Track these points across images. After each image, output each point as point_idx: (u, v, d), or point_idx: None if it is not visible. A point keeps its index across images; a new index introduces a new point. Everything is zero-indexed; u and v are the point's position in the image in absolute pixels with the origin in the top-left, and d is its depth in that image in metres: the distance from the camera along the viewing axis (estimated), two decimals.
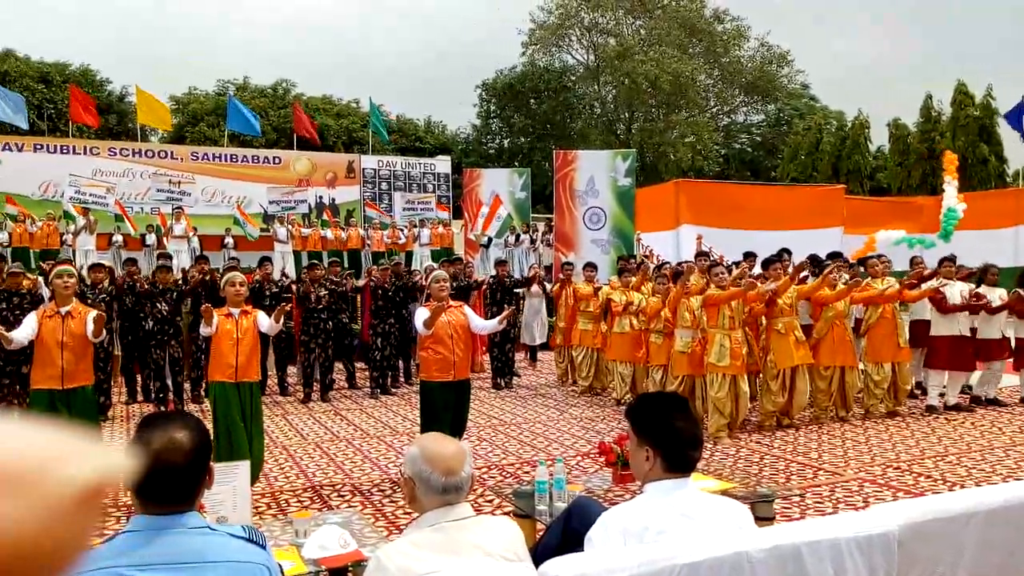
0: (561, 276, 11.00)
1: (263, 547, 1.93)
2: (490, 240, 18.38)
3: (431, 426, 5.88)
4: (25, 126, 21.21)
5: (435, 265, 12.68)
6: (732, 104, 37.54)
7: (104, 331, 5.40)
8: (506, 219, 17.18)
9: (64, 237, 15.36)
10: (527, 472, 6.18)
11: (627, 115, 36.61)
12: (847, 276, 8.55)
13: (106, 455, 0.63)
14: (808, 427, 7.72)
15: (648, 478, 2.34)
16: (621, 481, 4.85)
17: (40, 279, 9.03)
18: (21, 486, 0.56)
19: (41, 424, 0.60)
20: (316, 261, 11.87)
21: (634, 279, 9.34)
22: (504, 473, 6.18)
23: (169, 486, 1.78)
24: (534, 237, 18.67)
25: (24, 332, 5.13)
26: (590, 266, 10.45)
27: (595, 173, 15.18)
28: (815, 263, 8.75)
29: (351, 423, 8.20)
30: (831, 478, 5.89)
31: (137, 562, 1.73)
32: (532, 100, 36.41)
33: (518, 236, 18.02)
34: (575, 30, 36.12)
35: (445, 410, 5.87)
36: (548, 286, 12.11)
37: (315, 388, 9.65)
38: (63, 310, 5.17)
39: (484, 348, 11.07)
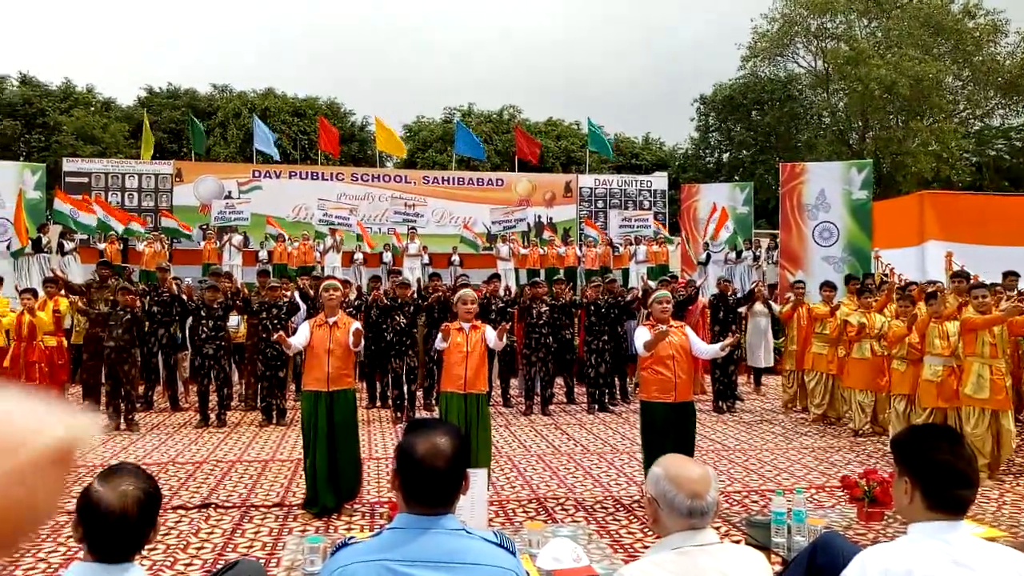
0: (790, 296, 10.42)
1: (513, 553, 1.99)
2: (709, 257, 17.88)
3: (652, 447, 5.78)
4: (277, 156, 23.85)
5: (653, 284, 12.56)
6: (986, 107, 33.69)
7: (362, 341, 5.85)
8: (732, 235, 16.62)
9: (316, 255, 17.01)
10: (754, 501, 5.91)
11: (860, 124, 34.10)
12: None
13: (74, 420, 0.68)
14: None
15: (912, 517, 2.13)
16: (867, 519, 4.48)
17: (296, 292, 10.08)
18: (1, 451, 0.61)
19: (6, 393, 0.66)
20: (537, 279, 12.15)
21: (876, 300, 8.62)
22: (730, 501, 5.93)
23: (432, 488, 1.88)
24: (757, 254, 17.90)
25: (299, 339, 5.73)
26: (828, 285, 9.76)
27: (826, 186, 14.29)
28: None
29: (571, 438, 8.30)
30: None
31: (402, 557, 1.85)
32: (754, 112, 35.03)
33: (740, 253, 17.35)
34: (801, 37, 34.33)
35: (666, 432, 5.74)
36: (774, 305, 11.53)
37: (536, 401, 9.88)
38: (330, 320, 5.70)
39: (705, 370, 10.75)
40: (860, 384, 8.41)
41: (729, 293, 10.63)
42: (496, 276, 11.05)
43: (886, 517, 5.04)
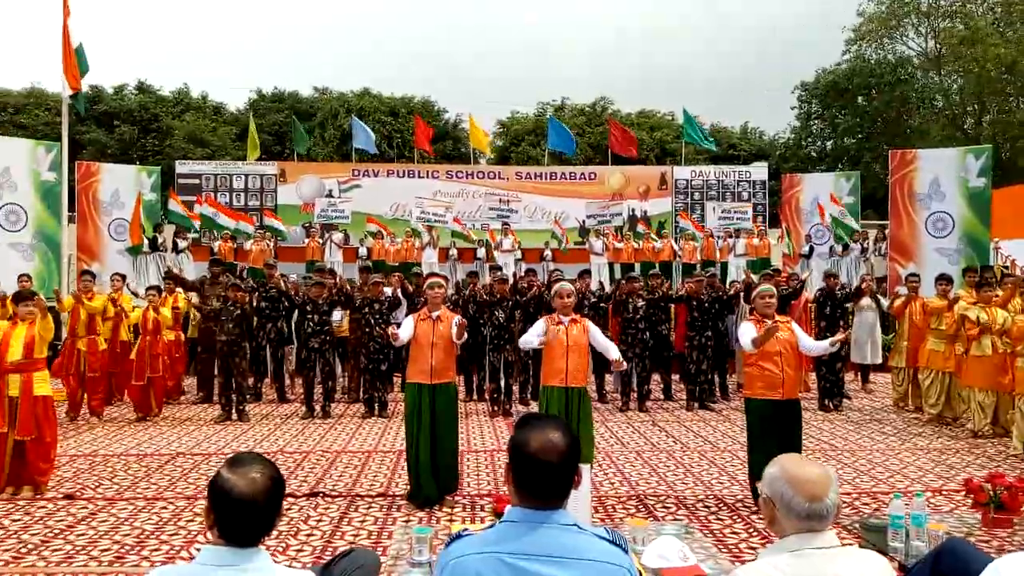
0: (901, 289, 9.94)
1: (625, 551, 1.97)
2: (812, 249, 17.26)
3: (757, 445, 5.63)
4: (373, 150, 24.43)
5: (756, 278, 12.19)
6: None
7: (465, 335, 5.92)
8: (844, 226, 15.96)
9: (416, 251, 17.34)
10: (866, 503, 5.67)
11: (976, 107, 32.18)
12: None
13: None
14: None
15: None
16: (993, 525, 4.22)
17: (398, 288, 10.30)
18: None
19: None
20: (633, 273, 12.00)
21: (998, 293, 8.11)
22: (840, 502, 5.69)
23: (545, 483, 1.89)
24: (864, 246, 17.14)
25: (404, 332, 5.86)
26: (944, 279, 9.23)
27: (940, 174, 13.57)
28: None
29: (670, 435, 8.17)
30: None
31: (514, 550, 1.86)
32: (860, 97, 33.52)
33: (846, 245, 16.65)
34: (911, 17, 32.65)
35: (771, 430, 5.58)
36: (883, 300, 11.03)
37: (632, 397, 9.78)
38: (434, 315, 5.80)
39: (810, 367, 10.38)
40: (980, 383, 7.94)
41: (837, 288, 10.20)
42: (587, 272, 10.94)
43: (1014, 524, 4.74)
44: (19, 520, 5.20)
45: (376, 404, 9.25)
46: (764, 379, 5.55)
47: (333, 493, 5.84)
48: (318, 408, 9.17)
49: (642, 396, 9.73)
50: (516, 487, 1.92)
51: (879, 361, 10.98)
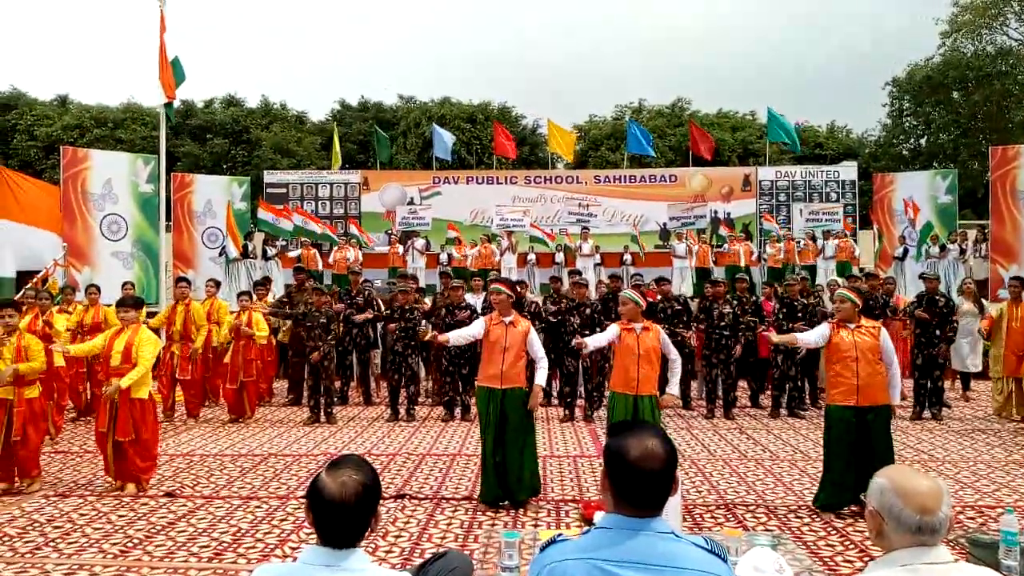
0: (1003, 293, 9.42)
1: (724, 560, 1.92)
2: (906, 251, 16.57)
3: (832, 454, 5.53)
4: (450, 158, 24.73)
5: (839, 281, 11.79)
6: None
7: (540, 396, 5.94)
8: (925, 226, 15.34)
9: (495, 257, 17.44)
10: (971, 518, 5.38)
11: None
12: None
13: None
14: None
15: None
16: None
17: (473, 294, 10.39)
18: None
19: None
20: (717, 278, 11.73)
21: None
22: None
23: (646, 491, 1.85)
24: (963, 247, 16.34)
25: (471, 330, 5.92)
26: (1018, 280, 8.72)
27: None
28: None
29: (758, 443, 7.95)
30: None
31: (611, 557, 1.84)
32: (956, 92, 32.02)
33: (943, 247, 15.91)
34: (1012, 5, 31.00)
35: (847, 438, 5.42)
36: (985, 304, 10.48)
37: (717, 404, 9.57)
38: (506, 319, 5.83)
39: (906, 373, 9.95)
40: None
41: (935, 293, 9.61)
42: (664, 279, 10.70)
43: None
44: (124, 516, 5.46)
45: (457, 407, 9.35)
46: (840, 385, 5.47)
47: (419, 495, 5.91)
48: (402, 411, 9.31)
49: (728, 403, 9.52)
50: (614, 494, 1.90)
51: (980, 369, 10.44)
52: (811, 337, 5.82)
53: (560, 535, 2.03)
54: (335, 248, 17.49)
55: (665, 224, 19.48)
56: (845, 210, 19.78)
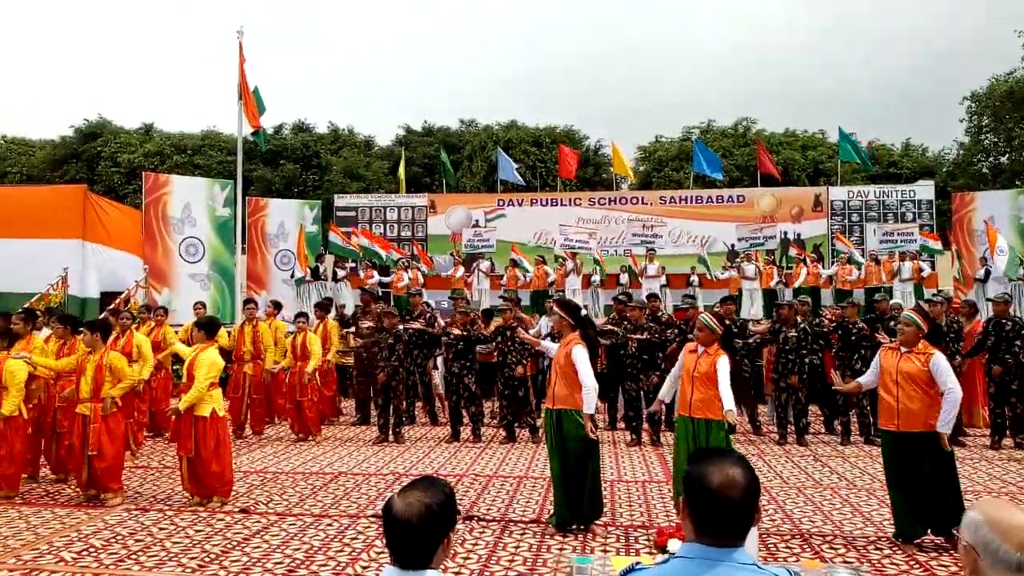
0: None
1: None
2: (988, 273, 15.88)
3: (888, 482, 5.45)
4: (521, 181, 24.89)
5: (903, 304, 11.37)
6: None
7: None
8: (1011, 257, 14.71)
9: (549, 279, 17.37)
10: None
11: None
12: None
13: None
14: None
15: None
16: None
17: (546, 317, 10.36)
18: None
19: None
20: (788, 301, 11.46)
21: None
22: None
23: (727, 520, 1.81)
24: None
25: (552, 346, 5.98)
26: None
27: None
28: None
29: (833, 470, 7.70)
30: None
31: None
32: None
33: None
34: None
35: (893, 465, 5.29)
36: None
37: (789, 430, 9.32)
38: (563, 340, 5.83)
39: (985, 399, 9.51)
40: None
41: (1004, 317, 9.15)
42: (730, 299, 10.51)
43: None
44: (202, 531, 5.61)
45: (517, 428, 9.34)
46: (882, 408, 5.46)
47: (487, 517, 5.91)
48: (468, 431, 9.33)
49: (800, 429, 9.25)
50: (694, 523, 1.86)
51: None
52: (870, 377, 5.71)
53: (638, 563, 2.00)
54: (393, 271, 17.68)
55: (733, 245, 19.15)
56: (923, 230, 19.13)
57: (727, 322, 9.02)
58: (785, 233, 20.67)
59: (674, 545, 4.80)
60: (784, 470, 7.72)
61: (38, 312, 8.56)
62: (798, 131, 35.84)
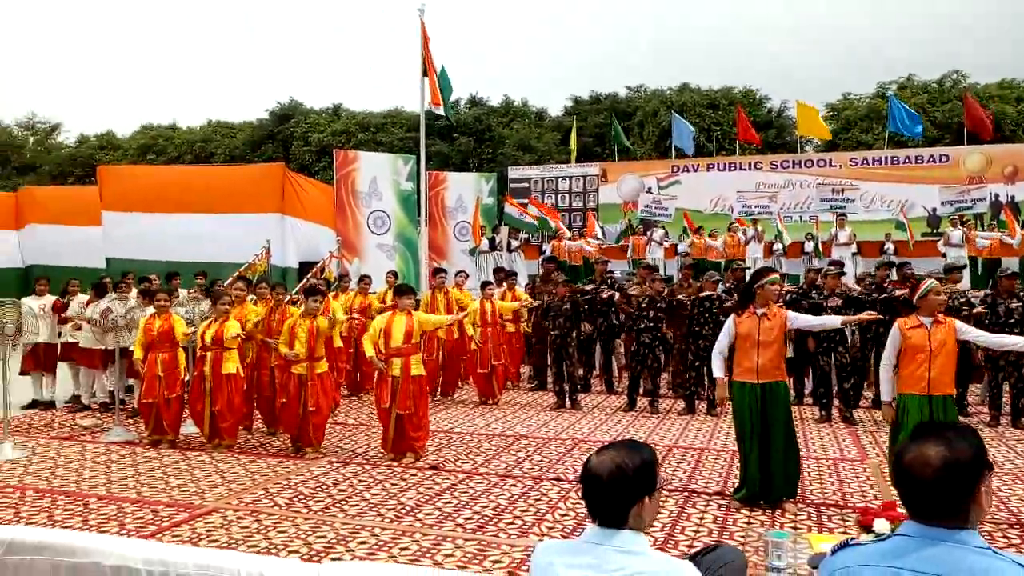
0: None
1: None
2: None
3: None
4: (691, 151, 24.10)
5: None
6: None
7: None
8: None
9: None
10: None
11: None
12: None
13: None
14: None
15: None
16: None
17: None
18: None
19: None
20: (1008, 270, 10.26)
21: None
22: None
23: (919, 499, 1.78)
24: None
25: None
26: None
27: None
28: None
29: None
30: None
31: (913, 568, 1.73)
32: None
33: None
34: None
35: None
36: None
37: (1003, 412, 8.48)
38: (759, 311, 5.56)
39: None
40: None
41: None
42: (955, 268, 9.49)
43: None
44: (397, 484, 5.98)
45: (696, 401, 9.14)
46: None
47: (670, 487, 5.86)
48: (645, 402, 9.26)
49: (1017, 411, 8.39)
50: (904, 501, 1.81)
51: None
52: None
53: (853, 538, 1.94)
54: (554, 239, 17.69)
55: (935, 209, 17.57)
56: None
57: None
58: (996, 195, 18.67)
59: (881, 525, 4.54)
60: (998, 455, 7.05)
61: (250, 279, 9.43)
62: (1015, 82, 32.04)
